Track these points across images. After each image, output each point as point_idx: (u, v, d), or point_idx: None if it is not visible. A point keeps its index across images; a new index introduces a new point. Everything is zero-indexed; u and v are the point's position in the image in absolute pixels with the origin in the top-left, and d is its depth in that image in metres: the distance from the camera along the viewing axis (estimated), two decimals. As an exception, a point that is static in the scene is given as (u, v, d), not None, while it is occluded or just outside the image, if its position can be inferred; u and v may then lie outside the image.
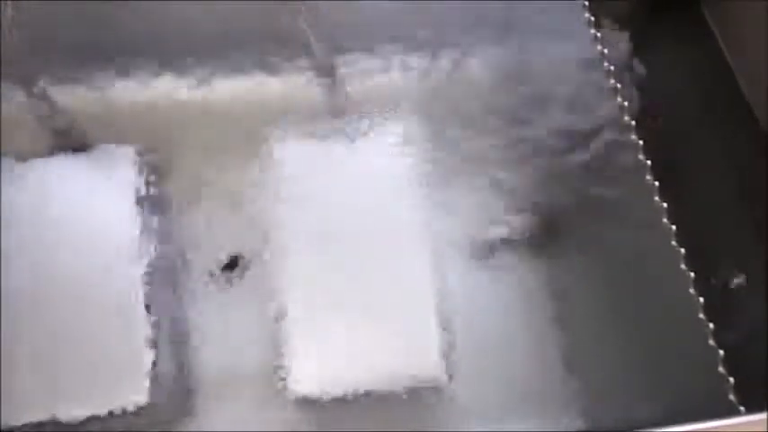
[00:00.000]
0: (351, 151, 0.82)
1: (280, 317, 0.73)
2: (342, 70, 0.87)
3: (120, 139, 0.81)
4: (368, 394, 0.69)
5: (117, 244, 0.75)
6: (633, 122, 0.84)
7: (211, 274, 0.77)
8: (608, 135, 0.84)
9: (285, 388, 0.70)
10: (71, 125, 0.83)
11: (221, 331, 0.74)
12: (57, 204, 0.77)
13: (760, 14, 0.82)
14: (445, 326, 0.72)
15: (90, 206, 0.77)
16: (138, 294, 0.73)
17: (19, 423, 0.67)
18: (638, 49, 0.90)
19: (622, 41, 0.90)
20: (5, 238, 0.74)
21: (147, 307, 0.72)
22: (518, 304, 0.75)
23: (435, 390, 0.70)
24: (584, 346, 0.73)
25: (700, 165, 0.83)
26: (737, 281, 0.75)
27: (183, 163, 0.82)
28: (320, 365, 0.71)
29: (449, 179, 0.81)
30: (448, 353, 0.71)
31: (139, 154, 0.80)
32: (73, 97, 0.84)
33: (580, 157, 0.82)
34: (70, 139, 0.82)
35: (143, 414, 0.68)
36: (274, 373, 0.71)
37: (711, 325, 0.73)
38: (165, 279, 0.75)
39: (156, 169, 0.81)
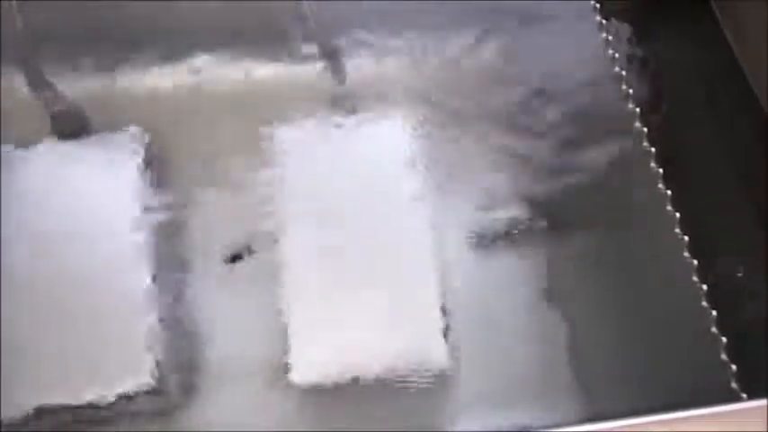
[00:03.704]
0: (353, 138, 0.81)
1: (283, 304, 0.73)
2: (345, 56, 0.87)
3: (124, 126, 0.81)
4: (371, 381, 0.69)
5: (120, 231, 0.75)
6: (638, 110, 0.83)
7: (214, 261, 0.76)
8: (612, 122, 0.83)
9: (288, 375, 0.70)
10: (74, 111, 0.83)
11: (224, 318, 0.74)
12: (60, 191, 0.77)
13: (765, 3, 0.82)
14: (448, 313, 0.72)
15: (93, 192, 0.77)
16: (142, 281, 0.73)
17: (20, 412, 0.67)
18: (643, 36, 0.89)
19: (627, 28, 0.89)
20: (7, 225, 0.74)
21: (151, 292, 0.72)
22: (520, 292, 0.75)
23: (438, 376, 0.70)
24: (585, 333, 0.73)
25: (704, 152, 0.83)
26: (741, 268, 0.75)
27: (186, 150, 0.81)
28: (323, 353, 0.70)
29: (451, 167, 0.81)
30: (450, 340, 0.71)
31: (142, 141, 0.80)
32: (76, 83, 0.84)
33: (583, 144, 0.82)
34: (73, 126, 0.82)
35: (146, 400, 0.69)
36: (278, 360, 0.70)
37: (714, 312, 0.73)
38: (169, 265, 0.75)
39: (158, 156, 0.80)
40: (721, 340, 0.71)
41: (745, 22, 0.86)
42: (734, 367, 0.70)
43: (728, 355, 0.71)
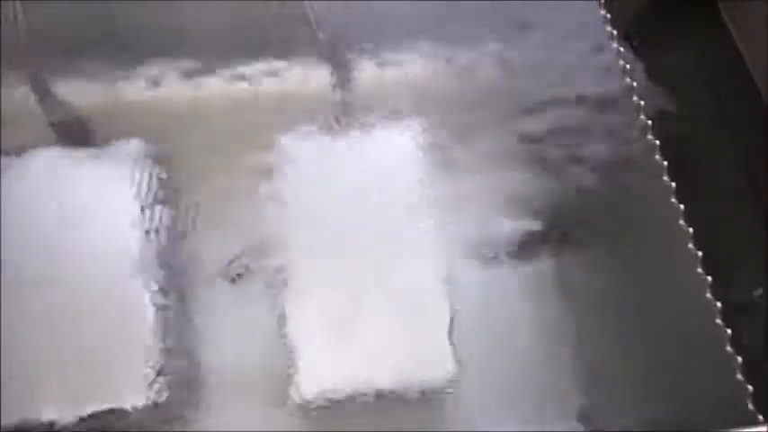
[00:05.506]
0: (359, 149, 0.81)
1: (287, 317, 0.72)
2: (351, 67, 0.86)
3: (125, 135, 0.80)
4: (376, 396, 0.69)
5: (120, 242, 0.75)
6: (649, 122, 0.83)
7: (217, 272, 0.76)
8: (624, 135, 0.83)
9: (293, 389, 0.69)
10: (75, 120, 0.83)
11: (227, 331, 0.73)
12: (59, 200, 0.76)
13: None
14: (454, 327, 0.72)
15: (93, 202, 0.77)
16: (143, 293, 0.72)
17: (19, 425, 0.67)
18: (655, 46, 0.89)
19: (638, 38, 0.88)
20: (6, 233, 0.74)
21: (152, 306, 0.72)
22: (528, 306, 0.74)
23: (444, 390, 0.70)
24: (597, 349, 0.72)
25: (717, 165, 0.82)
26: (756, 287, 0.74)
27: (188, 159, 0.81)
28: (327, 367, 0.70)
29: (457, 179, 0.80)
30: (456, 354, 0.71)
31: (144, 150, 0.80)
32: (77, 92, 0.83)
33: (595, 157, 0.81)
34: (74, 135, 0.81)
35: (147, 414, 0.68)
36: (282, 374, 0.70)
37: (729, 331, 0.72)
38: (171, 277, 0.74)
39: (160, 165, 0.80)
40: (736, 359, 0.70)
41: (757, 31, 0.85)
42: (750, 388, 0.69)
43: (744, 375, 0.70)
